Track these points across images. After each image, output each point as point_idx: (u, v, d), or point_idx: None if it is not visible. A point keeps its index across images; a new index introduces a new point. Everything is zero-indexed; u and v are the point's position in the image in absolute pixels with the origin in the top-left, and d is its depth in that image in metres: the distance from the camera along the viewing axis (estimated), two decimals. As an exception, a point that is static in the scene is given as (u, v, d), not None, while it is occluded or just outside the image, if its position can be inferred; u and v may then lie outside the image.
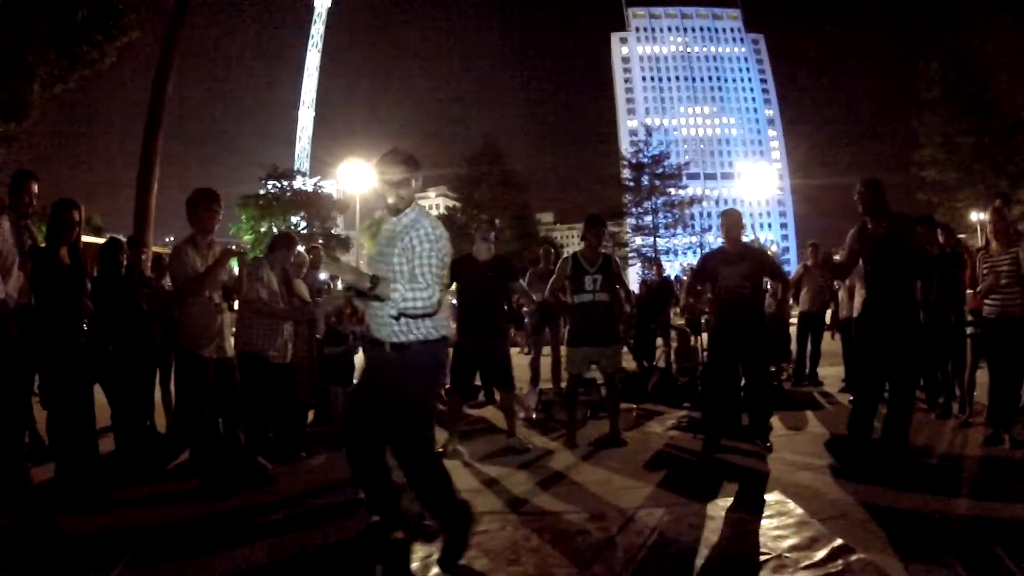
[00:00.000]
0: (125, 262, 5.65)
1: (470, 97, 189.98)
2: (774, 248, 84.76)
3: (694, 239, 51.14)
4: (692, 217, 52.61)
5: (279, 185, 48.66)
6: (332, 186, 50.22)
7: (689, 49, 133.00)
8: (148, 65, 15.20)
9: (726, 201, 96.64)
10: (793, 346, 9.10)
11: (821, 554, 3.14)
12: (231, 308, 4.78)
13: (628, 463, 5.03)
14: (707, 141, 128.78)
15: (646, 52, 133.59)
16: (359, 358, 6.35)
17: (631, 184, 52.00)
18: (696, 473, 4.80)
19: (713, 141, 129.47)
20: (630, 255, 52.03)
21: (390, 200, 3.20)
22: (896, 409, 4.73)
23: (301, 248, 6.19)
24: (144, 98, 14.65)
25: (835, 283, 8.39)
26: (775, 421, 6.07)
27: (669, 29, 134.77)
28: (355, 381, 6.31)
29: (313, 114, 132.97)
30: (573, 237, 74.14)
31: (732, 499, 4.10)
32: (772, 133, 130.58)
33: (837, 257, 6.25)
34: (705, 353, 6.35)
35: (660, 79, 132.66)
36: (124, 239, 6.65)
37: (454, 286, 5.60)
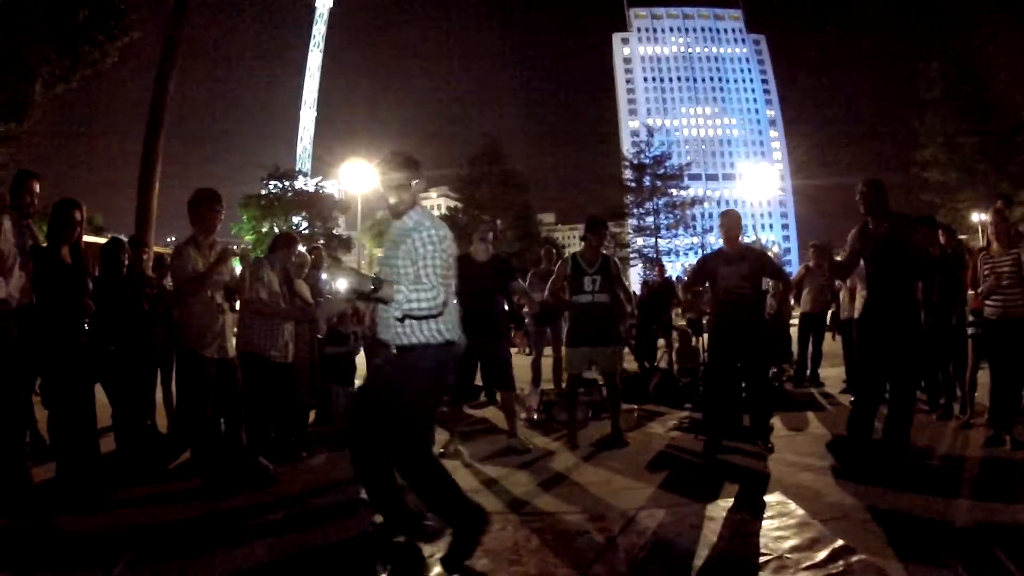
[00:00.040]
0: (126, 262, 5.65)
1: (471, 97, 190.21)
2: (775, 249, 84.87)
3: (695, 240, 51.06)
4: (693, 218, 52.54)
5: (280, 185, 48.71)
6: (334, 186, 50.25)
7: (690, 50, 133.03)
8: (149, 65, 15.24)
9: (727, 202, 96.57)
10: (794, 347, 9.09)
11: (822, 555, 3.14)
12: (233, 309, 4.77)
13: (629, 464, 5.03)
14: (708, 142, 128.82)
15: (647, 53, 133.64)
16: (360, 358, 6.36)
17: (633, 185, 51.98)
18: (697, 474, 4.80)
19: (715, 142, 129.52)
20: (631, 256, 52.03)
21: (391, 203, 3.22)
22: (897, 410, 4.73)
23: (302, 248, 6.20)
24: (145, 98, 14.70)
25: (836, 283, 8.39)
26: (776, 422, 6.08)
27: (670, 30, 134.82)
28: (356, 381, 6.33)
29: (315, 114, 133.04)
30: (574, 238, 74.08)
31: (733, 500, 4.10)
32: (773, 134, 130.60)
33: (838, 258, 6.25)
34: (706, 354, 6.36)
35: (661, 80, 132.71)
36: (126, 239, 6.66)
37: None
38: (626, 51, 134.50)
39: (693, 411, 6.79)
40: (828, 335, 8.94)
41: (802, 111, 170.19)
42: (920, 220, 6.27)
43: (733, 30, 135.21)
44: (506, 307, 6.76)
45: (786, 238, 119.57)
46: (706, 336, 6.34)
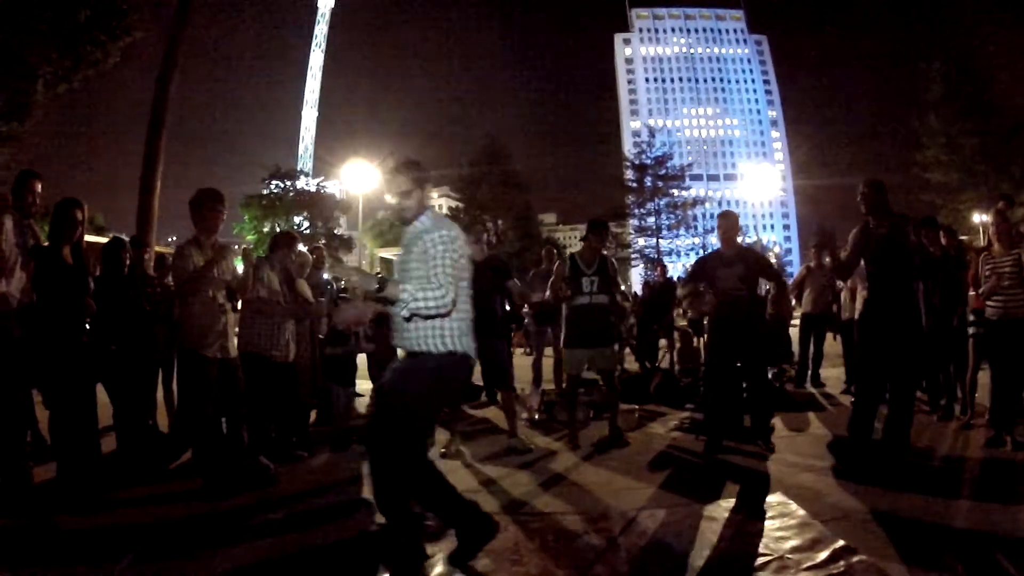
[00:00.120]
0: (128, 262, 5.66)
1: (472, 97, 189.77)
2: (776, 249, 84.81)
3: (697, 240, 51.00)
4: (695, 218, 52.47)
5: (282, 185, 48.79)
6: (335, 186, 50.31)
7: (692, 50, 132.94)
8: (151, 65, 15.22)
9: (729, 203, 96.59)
10: (795, 347, 9.09)
11: (823, 555, 3.14)
12: (235, 308, 4.78)
13: (630, 464, 5.03)
14: (710, 142, 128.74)
15: (649, 53, 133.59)
16: (361, 358, 6.36)
17: (634, 185, 51.96)
18: (698, 474, 4.80)
19: (716, 142, 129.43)
20: (633, 256, 52.03)
21: (399, 209, 3.26)
22: (896, 410, 4.73)
23: (304, 248, 6.20)
24: (147, 98, 14.67)
25: (838, 284, 8.39)
26: (777, 422, 6.08)
27: (672, 30, 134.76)
28: (357, 381, 6.34)
29: (316, 114, 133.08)
30: (575, 238, 74.12)
31: (734, 500, 4.10)
32: (775, 134, 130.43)
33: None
34: (705, 355, 6.36)
35: (663, 80, 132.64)
36: (127, 238, 6.67)
37: None
38: (628, 51, 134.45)
39: (694, 411, 6.79)
40: (829, 336, 8.94)
41: (803, 111, 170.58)
42: (922, 221, 6.28)
43: (735, 31, 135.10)
44: (507, 307, 6.76)
45: (787, 238, 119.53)
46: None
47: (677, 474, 4.80)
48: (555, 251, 9.61)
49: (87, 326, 4.70)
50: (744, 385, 5.65)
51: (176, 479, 4.77)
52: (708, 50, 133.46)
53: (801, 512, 3.76)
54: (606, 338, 5.81)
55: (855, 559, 3.08)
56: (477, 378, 6.67)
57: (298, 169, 56.86)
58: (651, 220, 51.36)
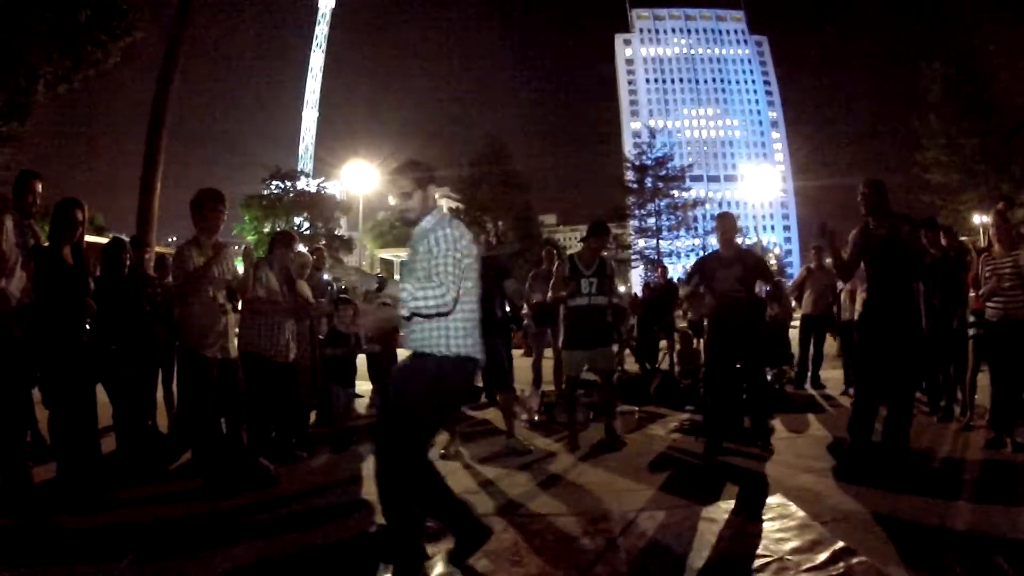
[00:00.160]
0: (128, 262, 5.66)
1: (472, 97, 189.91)
2: (776, 250, 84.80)
3: (697, 241, 51.04)
4: (695, 219, 52.50)
5: (282, 186, 48.82)
6: (335, 187, 50.36)
7: (693, 51, 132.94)
8: (151, 65, 15.25)
9: (729, 204, 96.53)
10: (795, 349, 9.09)
11: (823, 557, 3.13)
12: (235, 309, 4.77)
13: (630, 465, 5.03)
14: (710, 143, 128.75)
15: (650, 54, 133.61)
16: (361, 359, 6.36)
17: (634, 186, 51.97)
18: (698, 476, 4.80)
19: (716, 143, 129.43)
20: (633, 257, 52.03)
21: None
22: (895, 411, 4.73)
23: (304, 248, 6.20)
24: (147, 98, 14.69)
25: (838, 285, 8.40)
26: (777, 424, 6.08)
27: (673, 31, 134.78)
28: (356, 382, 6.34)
29: (316, 114, 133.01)
30: (575, 239, 74.16)
31: (734, 502, 4.10)
32: (775, 135, 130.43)
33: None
34: (705, 356, 6.36)
35: (664, 81, 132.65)
36: (127, 239, 6.67)
37: None
38: (628, 52, 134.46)
39: (694, 413, 6.79)
40: (829, 337, 8.94)
41: (804, 112, 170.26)
42: (922, 222, 6.28)
43: (735, 31, 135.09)
44: (507, 308, 6.75)
45: (787, 239, 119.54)
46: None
47: (677, 475, 4.80)
48: (555, 252, 9.61)
49: (87, 326, 4.70)
50: (744, 386, 5.65)
51: (176, 479, 4.78)
52: (708, 51, 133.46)
53: (801, 513, 3.76)
54: (605, 339, 5.81)
55: (855, 561, 3.07)
56: (477, 379, 6.67)
57: (298, 170, 56.92)
58: (651, 221, 51.38)
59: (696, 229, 51.53)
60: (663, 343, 9.78)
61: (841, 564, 3.05)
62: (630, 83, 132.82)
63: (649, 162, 51.29)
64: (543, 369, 8.07)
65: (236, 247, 5.52)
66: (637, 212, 51.86)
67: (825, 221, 5.23)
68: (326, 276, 7.40)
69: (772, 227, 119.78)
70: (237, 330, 5.00)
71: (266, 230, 44.80)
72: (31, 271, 4.25)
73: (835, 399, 7.70)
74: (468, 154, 54.64)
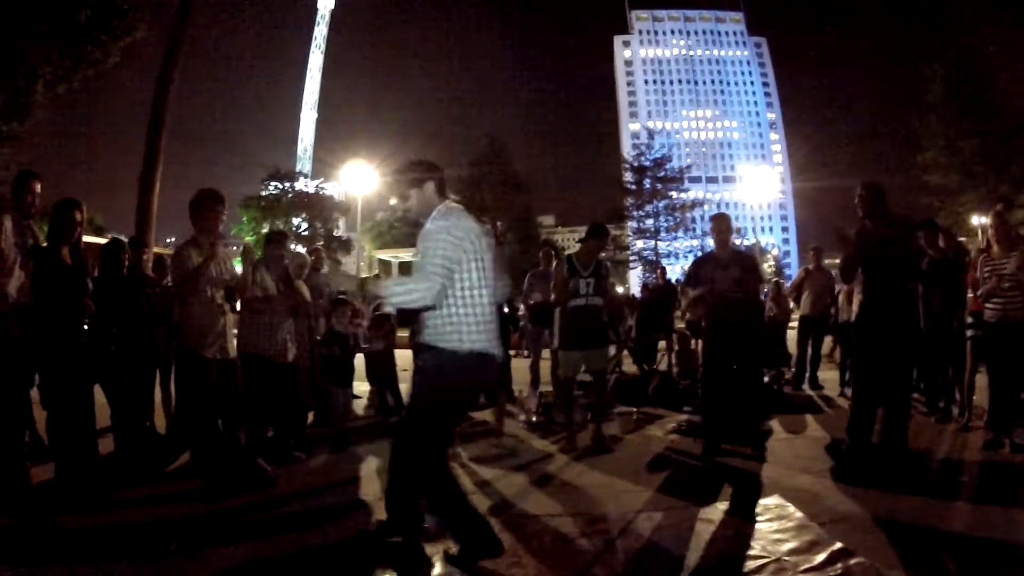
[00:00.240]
0: (127, 262, 5.66)
1: (472, 97, 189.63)
2: (775, 252, 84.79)
3: (695, 243, 51.07)
4: (693, 220, 52.55)
5: (281, 186, 48.81)
6: (334, 188, 50.35)
7: (692, 52, 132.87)
8: (151, 65, 15.19)
9: (727, 205, 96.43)
10: (793, 349, 9.10)
11: (820, 558, 3.14)
12: (234, 309, 4.77)
13: (628, 466, 5.03)
14: (709, 144, 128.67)
15: (649, 55, 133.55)
16: (359, 359, 6.36)
17: (633, 187, 52.05)
18: (696, 477, 4.81)
19: (715, 144, 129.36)
20: (631, 258, 52.05)
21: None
22: (893, 412, 4.74)
23: (302, 249, 6.19)
24: (146, 98, 14.65)
25: (836, 286, 8.42)
26: (775, 424, 6.09)
27: (672, 32, 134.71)
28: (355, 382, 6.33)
29: (315, 115, 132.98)
30: (574, 240, 74.19)
31: (731, 503, 4.10)
32: (774, 136, 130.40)
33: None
34: (702, 357, 6.37)
35: (662, 82, 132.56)
36: (126, 239, 6.67)
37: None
38: (627, 53, 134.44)
39: (692, 414, 6.79)
40: (828, 338, 8.96)
41: (803, 113, 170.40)
42: (921, 224, 6.28)
43: (734, 32, 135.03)
44: (505, 309, 6.75)
45: (786, 241, 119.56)
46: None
47: (675, 476, 4.80)
48: (553, 252, 9.61)
49: (85, 327, 4.70)
50: (741, 387, 5.65)
51: (175, 480, 4.77)
52: (707, 52, 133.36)
53: (799, 514, 3.77)
54: (601, 340, 5.82)
55: (853, 561, 3.08)
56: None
57: (297, 170, 56.91)
58: (650, 222, 51.45)
59: (695, 230, 51.59)
60: (662, 344, 9.79)
61: (839, 565, 3.05)
62: (629, 84, 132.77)
63: (648, 163, 51.38)
64: (541, 370, 8.07)
65: (234, 247, 5.52)
66: (635, 213, 51.93)
67: (841, 225, 5.23)
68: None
69: (771, 228, 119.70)
70: (235, 330, 5.00)
71: (264, 231, 44.79)
72: (29, 271, 4.24)
73: (833, 400, 7.71)
74: (467, 154, 54.64)
